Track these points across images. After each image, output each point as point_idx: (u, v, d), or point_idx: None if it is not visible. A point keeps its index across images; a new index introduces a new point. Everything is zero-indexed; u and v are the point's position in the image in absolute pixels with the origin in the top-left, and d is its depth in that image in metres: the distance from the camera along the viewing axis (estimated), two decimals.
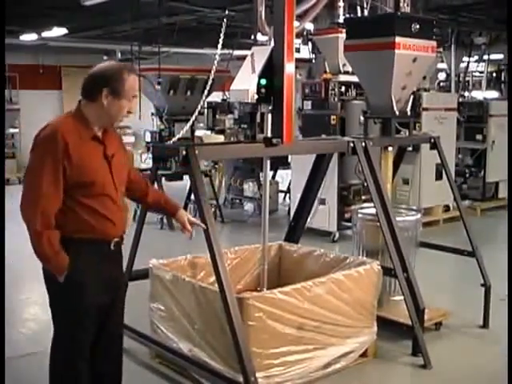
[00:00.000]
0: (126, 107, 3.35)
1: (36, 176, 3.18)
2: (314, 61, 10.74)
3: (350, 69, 8.43)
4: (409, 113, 5.86)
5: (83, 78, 3.40)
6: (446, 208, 10.72)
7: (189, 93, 12.53)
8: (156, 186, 7.94)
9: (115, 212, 3.38)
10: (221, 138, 11.25)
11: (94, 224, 3.29)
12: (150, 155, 11.52)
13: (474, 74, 16.53)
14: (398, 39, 5.35)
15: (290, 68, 4.56)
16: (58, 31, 13.17)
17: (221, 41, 7.86)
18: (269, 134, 4.64)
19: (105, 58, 17.74)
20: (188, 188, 10.67)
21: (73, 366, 3.45)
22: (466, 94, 14.71)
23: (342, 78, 9.28)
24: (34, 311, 6.41)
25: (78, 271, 3.25)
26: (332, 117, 9.10)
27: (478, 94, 15.37)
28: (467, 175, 11.89)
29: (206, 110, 12.67)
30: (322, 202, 8.97)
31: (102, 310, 3.44)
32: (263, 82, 4.55)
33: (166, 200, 3.91)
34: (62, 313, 3.39)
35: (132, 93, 3.35)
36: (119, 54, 16.47)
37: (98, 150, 3.33)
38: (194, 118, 9.57)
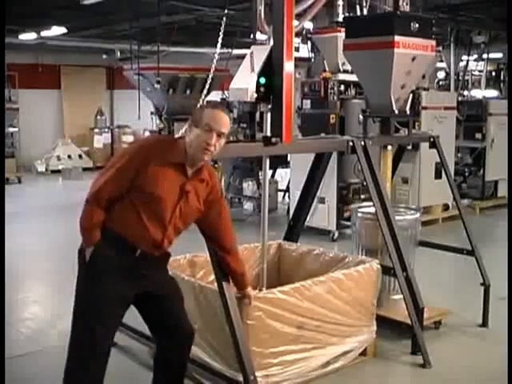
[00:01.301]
0: (204, 138, 3.43)
1: (112, 163, 3.45)
2: (313, 60, 10.72)
3: (349, 68, 8.42)
4: (408, 112, 5.86)
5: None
6: (446, 207, 10.73)
7: (188, 92, 12.53)
8: None
9: (156, 233, 3.46)
10: None
11: (131, 227, 3.42)
12: None
13: (473, 72, 16.49)
14: (397, 38, 5.34)
15: (289, 67, 4.56)
16: (58, 30, 13.18)
17: (220, 40, 7.83)
18: (268, 133, 4.64)
19: (104, 57, 17.77)
20: None
21: (85, 364, 3.44)
22: (466, 92, 14.68)
23: (342, 76, 9.27)
24: (33, 310, 6.42)
25: (99, 256, 3.41)
26: (331, 116, 9.10)
27: (478, 93, 15.34)
28: (466, 174, 11.90)
29: None
30: (322, 200, 8.97)
31: (120, 302, 3.49)
32: (262, 80, 4.56)
33: (243, 273, 4.04)
34: (81, 299, 3.47)
35: (209, 123, 3.44)
36: (118, 53, 16.46)
37: (179, 179, 3.46)
38: None
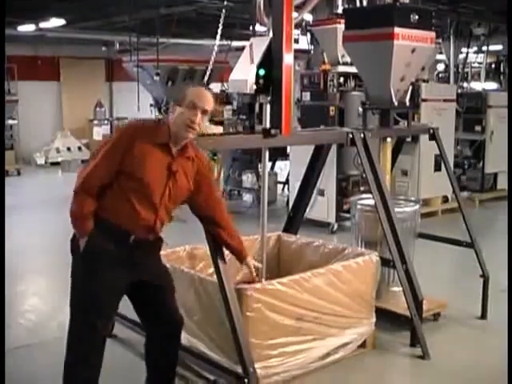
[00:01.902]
0: (188, 115, 3.45)
1: (98, 152, 3.46)
2: (312, 52, 10.72)
3: (348, 60, 8.40)
4: (407, 104, 5.85)
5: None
6: (445, 199, 10.72)
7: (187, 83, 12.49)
8: None
9: (149, 217, 3.49)
10: (219, 129, 11.22)
11: (123, 214, 3.44)
12: None
13: (472, 64, 16.49)
14: (396, 30, 5.33)
15: (288, 59, 4.55)
16: (56, 22, 13.13)
17: (219, 31, 7.85)
18: (267, 125, 4.63)
19: (103, 49, 17.72)
20: None
21: (86, 357, 3.48)
22: (465, 85, 14.69)
23: (341, 68, 9.26)
24: (33, 302, 6.42)
25: (94, 246, 3.42)
26: (331, 108, 9.10)
27: (477, 85, 15.34)
28: (466, 166, 11.90)
29: None
30: (321, 193, 8.97)
31: (116, 290, 3.51)
32: (262, 72, 4.55)
33: (241, 248, 4.07)
34: (79, 294, 3.47)
35: (193, 101, 3.47)
36: (118, 45, 16.43)
37: (165, 159, 3.47)
38: None
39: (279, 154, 11.23)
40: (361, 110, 6.00)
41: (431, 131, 5.99)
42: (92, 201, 3.41)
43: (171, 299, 3.78)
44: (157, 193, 3.46)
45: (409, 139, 7.30)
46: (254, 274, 4.15)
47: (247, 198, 11.76)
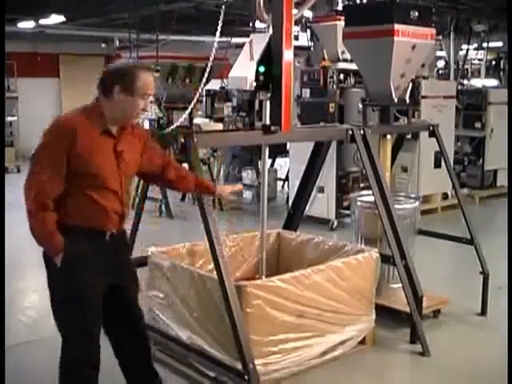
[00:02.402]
0: (140, 105, 3.38)
1: (39, 160, 3.28)
2: (312, 48, 10.71)
3: (348, 56, 8.41)
4: (407, 100, 5.85)
5: (100, 73, 3.43)
6: (445, 196, 10.73)
7: (187, 80, 12.49)
8: None
9: (116, 206, 3.43)
10: (219, 126, 11.23)
11: (91, 214, 3.35)
12: None
13: (472, 61, 16.49)
14: (396, 26, 5.33)
15: (288, 55, 4.55)
16: (56, 19, 13.13)
17: (219, 28, 7.80)
18: (267, 122, 4.63)
19: (103, 45, 17.70)
20: None
21: (83, 361, 3.46)
22: (465, 81, 14.68)
23: (341, 65, 9.26)
24: (33, 299, 6.42)
25: (72, 255, 3.30)
26: (331, 104, 9.09)
27: (477, 82, 15.33)
28: (466, 163, 11.89)
29: (204, 98, 12.64)
30: (321, 189, 8.97)
31: (100, 295, 3.45)
32: (262, 69, 4.54)
33: (203, 180, 4.07)
34: (61, 299, 3.42)
35: (145, 90, 3.38)
36: (117, 42, 16.41)
37: (109, 144, 3.38)
38: (192, 105, 9.54)
39: (279, 150, 11.22)
40: (361, 106, 6.01)
41: (431, 128, 5.98)
42: (52, 214, 3.25)
43: (137, 298, 3.76)
44: (114, 181, 3.39)
45: (409, 136, 7.30)
46: (235, 188, 4.11)
47: (247, 194, 11.75)
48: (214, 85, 13.08)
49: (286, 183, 11.42)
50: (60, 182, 3.26)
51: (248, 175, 11.27)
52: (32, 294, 6.60)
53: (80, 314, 3.38)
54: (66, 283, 3.37)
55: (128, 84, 3.32)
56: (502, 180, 11.79)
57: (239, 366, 4.03)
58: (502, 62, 15.85)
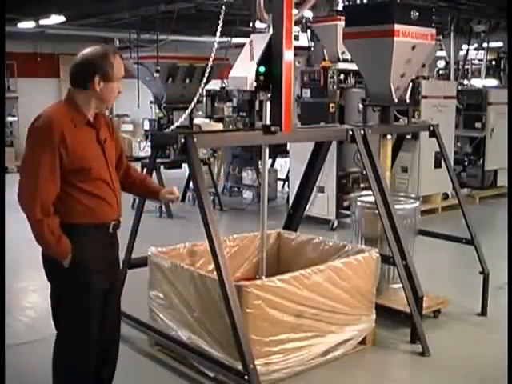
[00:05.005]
0: (117, 88, 3.43)
1: (33, 165, 3.23)
2: (312, 48, 10.72)
3: (349, 56, 8.40)
4: (408, 101, 5.85)
5: (70, 67, 3.45)
6: (445, 196, 10.74)
7: (187, 81, 12.51)
8: (155, 174, 7.93)
9: (111, 195, 3.45)
10: (219, 126, 11.23)
11: (93, 208, 3.36)
12: (149, 143, 11.51)
13: (473, 61, 16.48)
14: (397, 27, 5.33)
15: (288, 55, 4.55)
16: (56, 19, 13.12)
17: (219, 28, 7.82)
18: (267, 122, 4.63)
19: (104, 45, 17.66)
20: (187, 176, 10.68)
21: (82, 365, 3.48)
22: (465, 81, 14.67)
23: (341, 65, 9.26)
24: (32, 299, 6.42)
25: (81, 256, 3.30)
26: (331, 105, 9.08)
27: (477, 82, 15.32)
28: (466, 163, 11.89)
29: (204, 98, 12.66)
30: (321, 189, 8.97)
31: (102, 296, 3.47)
32: (262, 69, 4.54)
33: (150, 181, 4.09)
34: (69, 303, 3.41)
35: (120, 73, 3.42)
36: (117, 42, 16.41)
37: (92, 135, 3.40)
38: (192, 105, 9.56)
39: (279, 150, 11.24)
40: (361, 106, 6.02)
41: (431, 128, 5.98)
42: (55, 218, 3.24)
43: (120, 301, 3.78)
44: (105, 170, 3.41)
45: (409, 136, 7.31)
46: (175, 189, 3.92)
47: (247, 194, 11.75)
48: (215, 85, 13.11)
49: (286, 183, 11.43)
50: (56, 184, 3.25)
51: (248, 175, 11.28)
52: (32, 294, 6.60)
53: (88, 323, 3.41)
54: (76, 288, 3.37)
55: (107, 71, 3.35)
56: (503, 180, 11.79)
57: (239, 366, 4.02)
58: (502, 62, 15.84)
